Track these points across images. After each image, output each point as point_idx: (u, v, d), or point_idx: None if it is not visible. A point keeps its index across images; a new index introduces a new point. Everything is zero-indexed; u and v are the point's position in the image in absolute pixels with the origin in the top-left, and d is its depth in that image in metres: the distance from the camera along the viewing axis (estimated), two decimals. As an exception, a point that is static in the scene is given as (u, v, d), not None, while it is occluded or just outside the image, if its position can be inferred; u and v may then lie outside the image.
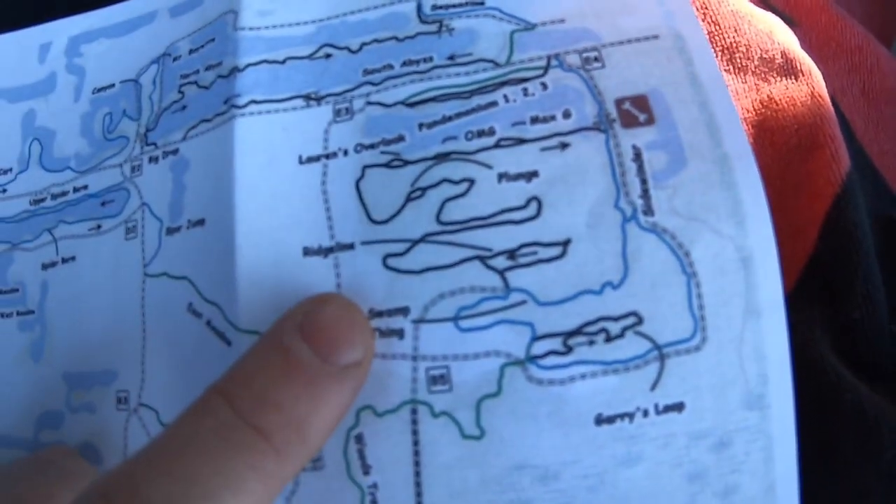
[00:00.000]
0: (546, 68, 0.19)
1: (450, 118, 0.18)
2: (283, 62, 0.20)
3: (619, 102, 0.18)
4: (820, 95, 0.22)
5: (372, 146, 0.19)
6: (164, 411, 0.20)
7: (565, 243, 0.17)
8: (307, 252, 0.18)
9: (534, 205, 0.17)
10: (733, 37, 0.22)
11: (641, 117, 0.18)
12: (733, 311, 0.17)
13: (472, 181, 0.18)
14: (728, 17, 0.22)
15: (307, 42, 0.20)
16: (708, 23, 0.22)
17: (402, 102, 0.19)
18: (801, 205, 0.21)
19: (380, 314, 0.17)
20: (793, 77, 0.22)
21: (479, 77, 0.19)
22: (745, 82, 0.22)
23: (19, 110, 0.25)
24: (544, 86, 0.18)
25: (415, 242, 0.18)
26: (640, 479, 0.17)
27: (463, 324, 0.17)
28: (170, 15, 0.23)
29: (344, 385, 0.16)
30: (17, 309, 0.23)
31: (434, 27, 0.20)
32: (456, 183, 0.18)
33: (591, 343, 0.17)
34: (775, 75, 0.22)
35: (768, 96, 0.22)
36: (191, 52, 0.22)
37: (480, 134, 0.18)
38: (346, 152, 0.19)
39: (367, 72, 0.20)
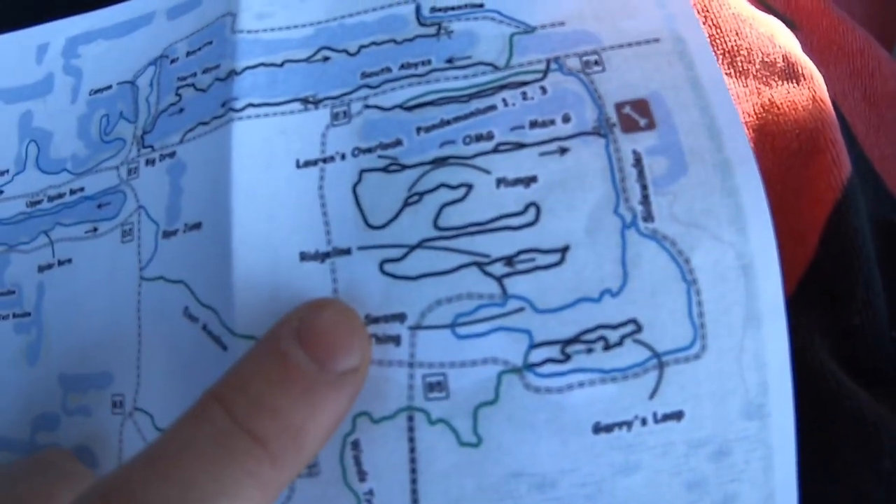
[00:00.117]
0: (545, 72, 0.19)
1: (448, 122, 0.18)
2: (281, 65, 0.20)
3: (619, 107, 0.18)
4: (821, 100, 0.21)
5: (369, 150, 0.19)
6: (160, 416, 0.20)
7: (564, 250, 0.17)
8: (304, 257, 0.18)
9: (532, 210, 0.17)
10: (734, 40, 0.22)
11: (642, 122, 0.18)
12: (733, 319, 0.16)
13: (470, 186, 0.18)
14: (729, 20, 0.22)
15: (305, 45, 0.20)
16: (709, 26, 0.22)
17: (400, 106, 0.19)
18: (801, 210, 0.21)
19: (376, 320, 0.17)
20: (794, 81, 0.22)
21: (478, 80, 0.19)
22: (746, 86, 0.22)
23: (16, 111, 0.25)
24: (544, 90, 0.18)
25: (412, 248, 0.17)
26: (639, 488, 0.16)
27: (460, 331, 0.17)
28: (167, 17, 0.23)
29: (341, 392, 0.16)
30: (14, 311, 0.23)
31: (433, 30, 0.20)
32: (454, 188, 0.18)
33: (590, 351, 0.16)
34: (777, 79, 0.22)
35: (769, 100, 0.21)
36: (188, 54, 0.22)
37: (479, 138, 0.18)
38: (343, 156, 0.19)
39: (365, 75, 0.19)
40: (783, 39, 0.22)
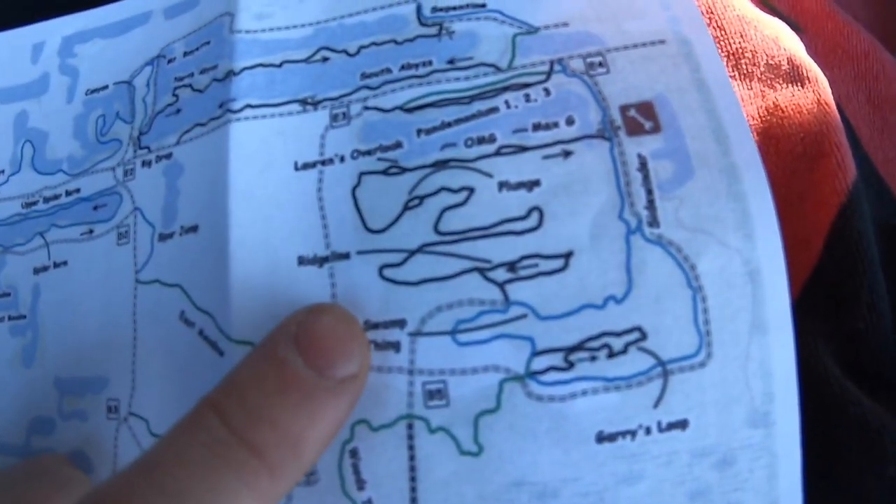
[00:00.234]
0: (549, 73, 0.18)
1: (449, 124, 0.18)
2: (280, 66, 0.20)
3: (623, 109, 0.18)
4: (826, 103, 0.21)
5: (369, 152, 0.18)
6: (155, 421, 0.19)
7: (567, 255, 0.17)
8: (302, 261, 0.18)
9: (535, 215, 0.17)
10: (739, 42, 0.21)
11: (647, 125, 0.17)
12: (739, 327, 0.16)
13: (471, 190, 0.17)
14: (734, 22, 0.22)
15: (304, 45, 0.20)
16: (713, 28, 0.22)
17: (401, 108, 0.19)
18: (806, 214, 0.21)
19: (375, 326, 0.17)
20: (799, 84, 0.22)
21: (480, 82, 0.19)
22: (751, 89, 0.21)
23: (11, 111, 0.24)
24: (547, 91, 0.18)
25: (412, 253, 0.17)
26: (642, 498, 0.16)
27: (461, 337, 0.17)
28: (165, 16, 0.23)
29: (340, 399, 0.16)
30: (9, 313, 0.22)
31: (434, 30, 0.19)
32: (455, 191, 0.17)
33: (593, 359, 0.16)
34: (781, 82, 0.22)
35: (774, 103, 0.21)
36: (186, 54, 0.22)
37: (481, 141, 0.18)
38: (342, 158, 0.18)
39: (364, 76, 0.19)
40: (788, 42, 0.22)
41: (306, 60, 0.20)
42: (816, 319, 0.20)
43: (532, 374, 0.16)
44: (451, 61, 0.19)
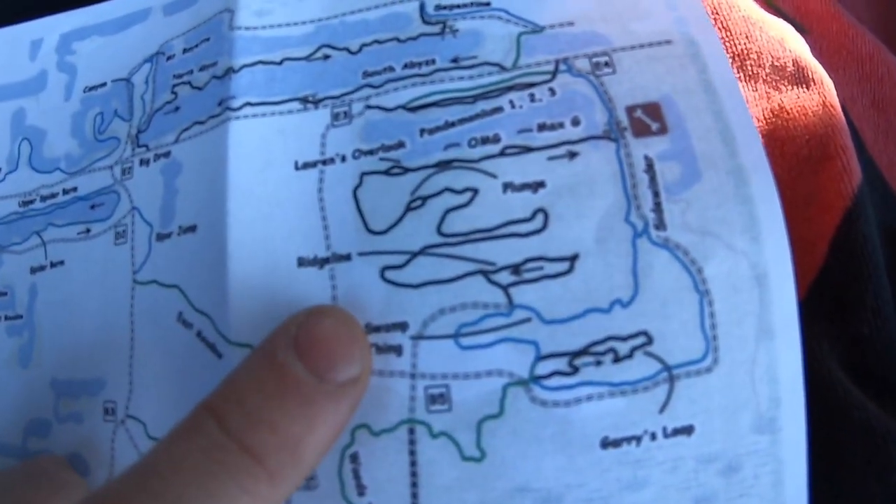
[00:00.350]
0: (554, 73, 0.18)
1: (453, 124, 0.18)
2: (280, 63, 0.20)
3: (630, 110, 0.17)
4: (831, 105, 0.21)
5: (371, 152, 0.18)
6: (152, 424, 0.19)
7: (573, 258, 0.16)
8: (302, 262, 0.18)
9: (540, 217, 0.17)
10: (744, 43, 0.21)
11: (654, 126, 0.17)
12: (746, 331, 0.16)
13: (475, 191, 0.17)
14: (739, 23, 0.22)
15: (305, 42, 0.20)
16: (719, 29, 0.21)
17: (403, 107, 0.18)
18: (811, 217, 0.21)
19: (377, 329, 0.17)
20: (804, 86, 0.21)
21: (484, 81, 0.18)
22: (756, 90, 0.21)
23: (8, 109, 0.24)
24: (552, 91, 0.18)
25: (414, 255, 0.17)
26: None
27: (464, 341, 0.16)
28: (164, 13, 0.23)
29: (341, 403, 0.15)
30: (6, 313, 0.22)
31: (437, 28, 0.19)
32: (458, 192, 0.17)
33: (599, 363, 0.16)
34: (786, 84, 0.21)
35: (779, 105, 0.21)
36: (185, 51, 0.21)
37: (485, 141, 0.18)
38: (343, 158, 0.18)
39: (366, 74, 0.19)
40: (793, 44, 0.22)
41: (307, 58, 0.20)
42: (821, 323, 0.20)
43: (536, 379, 0.16)
44: (454, 60, 0.19)
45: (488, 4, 0.19)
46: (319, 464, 0.16)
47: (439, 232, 0.17)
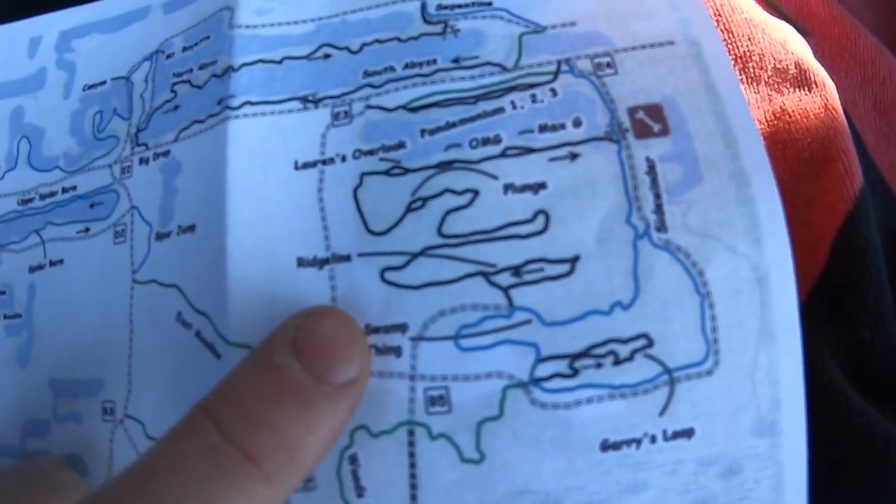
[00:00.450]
0: (556, 74, 0.18)
1: (453, 124, 0.18)
2: (280, 62, 0.19)
3: (632, 111, 0.17)
4: (833, 108, 0.21)
5: (371, 152, 0.18)
6: (151, 424, 0.19)
7: (573, 260, 0.16)
8: (301, 263, 0.17)
9: (541, 218, 0.17)
10: (747, 45, 0.21)
11: (655, 127, 0.17)
12: (747, 334, 0.16)
13: (476, 192, 0.17)
14: (742, 25, 0.21)
15: (305, 41, 0.20)
16: (721, 30, 0.21)
17: (404, 107, 0.18)
18: (812, 220, 0.20)
19: (376, 330, 0.17)
20: (806, 88, 0.21)
21: (486, 81, 0.18)
22: (758, 93, 0.21)
23: (7, 107, 0.24)
24: (554, 92, 0.18)
25: (414, 256, 0.17)
26: None
27: (464, 343, 0.16)
28: (164, 10, 0.23)
29: (339, 405, 0.15)
30: (5, 312, 0.22)
31: (439, 28, 0.19)
32: (459, 193, 0.17)
33: (599, 366, 0.16)
34: (789, 86, 0.21)
35: (781, 108, 0.21)
36: (184, 49, 0.21)
37: (486, 142, 0.17)
38: (343, 158, 0.18)
39: (367, 73, 0.19)
40: (795, 46, 0.22)
41: (307, 57, 0.19)
42: (822, 327, 0.20)
43: (536, 381, 0.16)
44: (455, 60, 0.19)
45: (490, 4, 0.19)
46: (318, 465, 0.16)
47: (440, 233, 0.17)
